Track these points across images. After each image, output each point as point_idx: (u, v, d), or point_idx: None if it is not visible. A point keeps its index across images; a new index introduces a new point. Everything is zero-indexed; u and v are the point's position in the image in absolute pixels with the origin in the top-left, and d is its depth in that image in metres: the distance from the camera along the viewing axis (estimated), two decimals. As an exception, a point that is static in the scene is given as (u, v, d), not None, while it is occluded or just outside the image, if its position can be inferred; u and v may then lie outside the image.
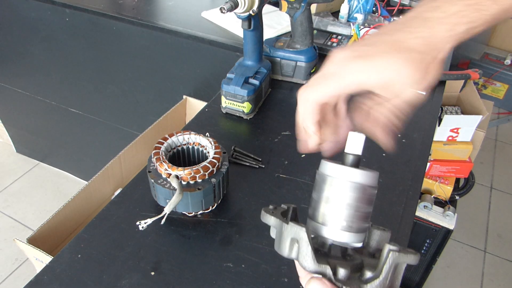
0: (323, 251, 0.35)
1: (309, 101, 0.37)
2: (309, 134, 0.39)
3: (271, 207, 0.37)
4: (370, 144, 0.37)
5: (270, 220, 0.35)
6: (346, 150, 0.36)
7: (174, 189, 0.55)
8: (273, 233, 0.36)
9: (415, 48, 0.35)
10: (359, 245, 0.35)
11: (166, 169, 0.56)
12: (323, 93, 0.37)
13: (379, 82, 0.35)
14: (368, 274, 0.32)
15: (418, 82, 0.35)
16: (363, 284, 0.31)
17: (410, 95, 0.35)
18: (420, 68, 0.35)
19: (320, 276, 0.31)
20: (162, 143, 0.61)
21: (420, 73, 0.35)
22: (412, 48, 0.35)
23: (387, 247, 0.31)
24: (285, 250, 0.33)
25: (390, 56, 0.35)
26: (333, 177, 0.35)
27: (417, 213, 1.31)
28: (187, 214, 0.61)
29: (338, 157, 0.38)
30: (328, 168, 0.35)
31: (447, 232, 1.32)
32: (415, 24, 0.36)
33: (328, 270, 0.31)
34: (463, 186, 1.53)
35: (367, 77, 0.35)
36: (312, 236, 0.36)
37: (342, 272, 0.32)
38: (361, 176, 0.34)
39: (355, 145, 0.35)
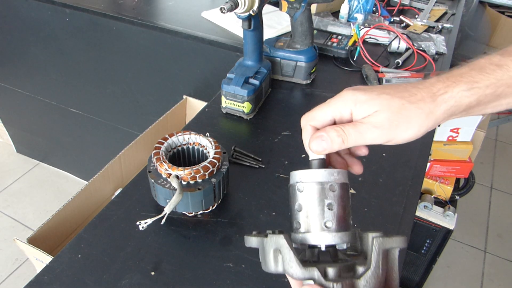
0: (313, 260, 0.35)
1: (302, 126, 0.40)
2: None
3: (254, 232, 0.36)
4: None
5: (252, 241, 0.34)
6: (310, 158, 0.37)
7: (174, 189, 0.55)
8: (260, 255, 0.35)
9: (404, 99, 0.36)
10: (346, 245, 0.35)
11: (166, 169, 0.56)
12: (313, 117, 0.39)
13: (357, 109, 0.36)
14: (361, 269, 0.31)
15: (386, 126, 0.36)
16: (356, 279, 0.31)
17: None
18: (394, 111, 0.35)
19: (312, 282, 0.31)
20: (162, 143, 0.61)
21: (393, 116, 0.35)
22: (402, 97, 0.36)
23: (370, 235, 0.31)
24: (271, 265, 0.32)
25: (381, 96, 0.36)
26: (299, 183, 0.35)
27: (417, 213, 1.31)
28: (187, 214, 0.61)
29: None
30: (294, 176, 0.36)
31: (447, 232, 1.32)
32: (418, 85, 0.37)
33: (316, 272, 0.31)
34: (463, 186, 1.53)
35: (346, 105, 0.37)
36: (305, 249, 0.36)
37: (331, 272, 0.31)
38: (323, 175, 0.35)
39: None
